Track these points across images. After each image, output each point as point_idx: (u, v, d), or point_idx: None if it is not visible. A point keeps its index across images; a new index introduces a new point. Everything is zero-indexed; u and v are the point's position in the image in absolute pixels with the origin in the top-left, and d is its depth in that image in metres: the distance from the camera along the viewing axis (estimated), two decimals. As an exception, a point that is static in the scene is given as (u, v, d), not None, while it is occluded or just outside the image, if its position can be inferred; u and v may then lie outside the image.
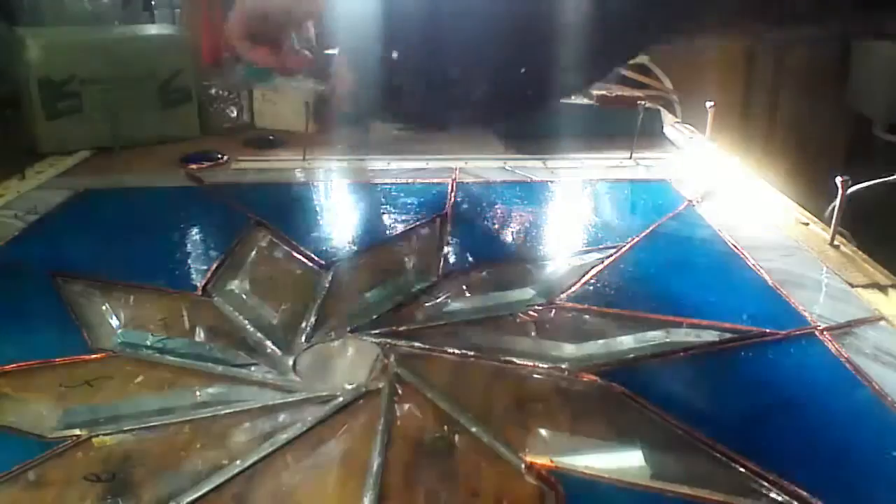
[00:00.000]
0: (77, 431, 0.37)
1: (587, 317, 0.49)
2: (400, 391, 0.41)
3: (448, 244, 0.61)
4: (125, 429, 0.37)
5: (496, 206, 0.70)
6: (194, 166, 0.81)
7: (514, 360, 0.43)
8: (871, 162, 1.54)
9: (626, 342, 0.46)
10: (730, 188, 0.76)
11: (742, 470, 0.34)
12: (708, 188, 0.74)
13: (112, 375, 0.42)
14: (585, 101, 0.98)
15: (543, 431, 0.37)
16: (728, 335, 0.46)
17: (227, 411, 0.39)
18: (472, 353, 0.44)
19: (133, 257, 0.59)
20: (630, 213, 0.73)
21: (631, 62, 1.12)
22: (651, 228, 0.64)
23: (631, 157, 0.86)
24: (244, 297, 0.52)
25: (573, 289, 0.53)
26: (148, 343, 0.45)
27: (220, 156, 0.84)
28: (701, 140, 0.93)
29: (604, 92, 0.97)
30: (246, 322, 0.48)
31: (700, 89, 1.00)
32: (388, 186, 0.76)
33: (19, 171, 0.77)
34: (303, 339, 0.46)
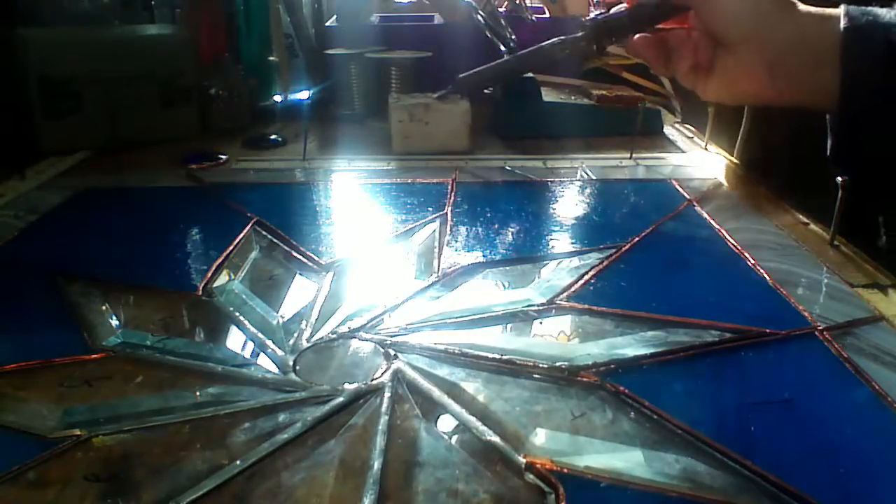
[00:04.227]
0: (77, 431, 0.37)
1: (587, 317, 0.49)
2: (400, 391, 0.41)
3: (448, 244, 0.61)
4: (125, 429, 0.37)
5: (496, 206, 0.70)
6: (194, 166, 0.81)
7: (515, 359, 0.43)
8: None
9: (626, 342, 0.46)
10: (730, 188, 0.76)
11: (742, 470, 0.34)
12: (708, 188, 0.74)
13: (112, 375, 0.42)
14: (585, 101, 0.98)
15: (543, 431, 0.37)
16: (728, 335, 0.46)
17: (227, 411, 0.39)
18: (472, 353, 0.44)
19: (133, 257, 0.59)
20: (630, 213, 0.73)
21: (631, 63, 1.12)
22: (651, 228, 0.63)
23: (631, 157, 0.86)
24: (244, 297, 0.52)
25: (573, 289, 0.53)
26: (148, 343, 0.45)
27: (220, 156, 0.84)
28: (701, 140, 0.93)
29: (604, 92, 0.97)
30: (246, 322, 0.48)
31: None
32: (389, 186, 0.76)
33: (19, 171, 0.77)
34: (303, 339, 0.46)
